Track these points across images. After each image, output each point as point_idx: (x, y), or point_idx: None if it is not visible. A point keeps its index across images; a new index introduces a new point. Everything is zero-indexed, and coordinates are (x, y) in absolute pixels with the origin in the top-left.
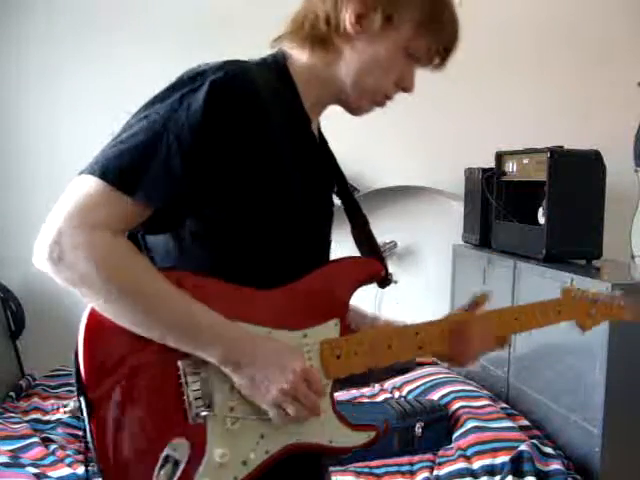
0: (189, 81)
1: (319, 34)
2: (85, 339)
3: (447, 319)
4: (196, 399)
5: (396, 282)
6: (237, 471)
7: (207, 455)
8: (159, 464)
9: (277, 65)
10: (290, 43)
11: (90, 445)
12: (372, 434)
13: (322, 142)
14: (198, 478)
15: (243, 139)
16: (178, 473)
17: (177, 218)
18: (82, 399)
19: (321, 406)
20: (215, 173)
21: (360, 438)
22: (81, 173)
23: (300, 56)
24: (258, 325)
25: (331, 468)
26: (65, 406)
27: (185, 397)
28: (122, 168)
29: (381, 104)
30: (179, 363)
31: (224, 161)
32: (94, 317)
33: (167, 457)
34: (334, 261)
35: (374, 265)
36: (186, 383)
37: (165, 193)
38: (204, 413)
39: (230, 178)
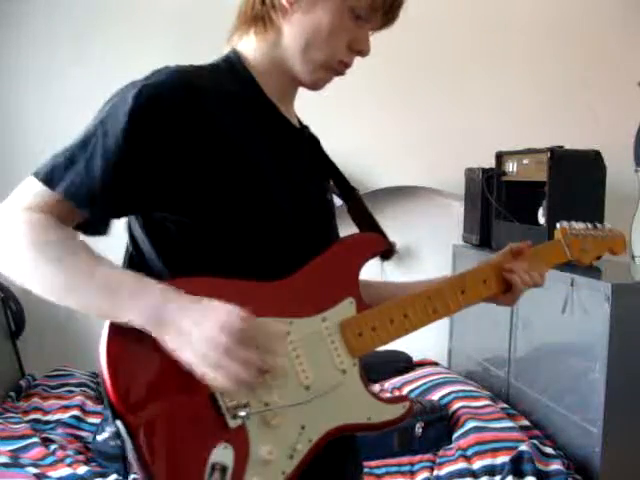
0: (125, 88)
1: (256, 14)
2: (108, 364)
3: (460, 275)
4: (230, 401)
5: (398, 252)
6: (284, 465)
7: (252, 455)
8: (207, 473)
9: (231, 65)
10: (238, 36)
11: (136, 466)
12: (407, 404)
13: (303, 129)
14: (247, 479)
15: (186, 135)
16: (227, 478)
17: (103, 222)
18: (119, 423)
19: (345, 381)
20: (145, 176)
21: (397, 410)
22: None
23: (248, 45)
24: (277, 317)
25: None
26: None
27: (220, 402)
28: (52, 166)
29: (339, 72)
30: None
31: (158, 163)
32: (113, 340)
33: (214, 465)
34: (336, 242)
35: (377, 239)
36: None
37: (83, 191)
38: (242, 413)
39: (180, 179)
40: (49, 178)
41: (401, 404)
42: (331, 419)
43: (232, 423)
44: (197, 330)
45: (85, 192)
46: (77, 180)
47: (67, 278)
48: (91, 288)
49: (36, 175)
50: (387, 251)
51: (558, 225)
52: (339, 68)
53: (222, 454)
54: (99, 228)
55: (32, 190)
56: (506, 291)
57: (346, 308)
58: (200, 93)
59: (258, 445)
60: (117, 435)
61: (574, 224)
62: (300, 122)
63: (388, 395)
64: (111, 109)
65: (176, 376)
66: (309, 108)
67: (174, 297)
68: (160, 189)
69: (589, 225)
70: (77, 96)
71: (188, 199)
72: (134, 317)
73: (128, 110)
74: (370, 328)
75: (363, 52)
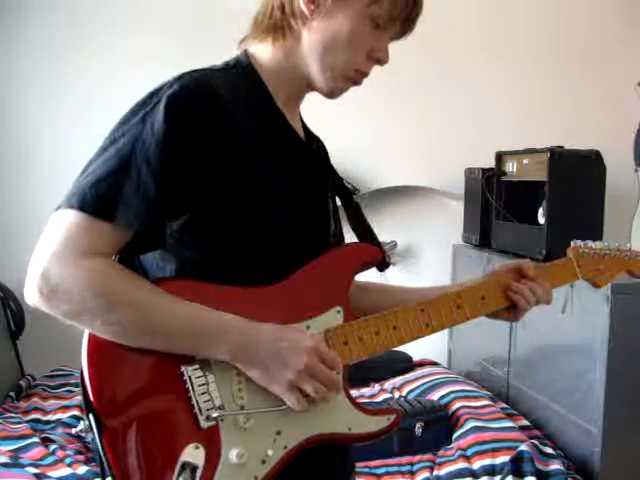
0: (148, 100)
1: (276, 22)
2: (88, 360)
3: (457, 290)
4: (205, 402)
5: (394, 264)
6: (256, 470)
7: (223, 457)
8: (176, 472)
9: (241, 66)
10: (253, 41)
11: (104, 461)
12: (392, 417)
13: (307, 135)
14: None
15: (209, 144)
16: (197, 478)
17: (162, 235)
18: (91, 417)
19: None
20: (189, 183)
21: (380, 422)
22: (58, 208)
23: (263, 51)
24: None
25: None
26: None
27: (194, 402)
28: (98, 196)
29: (357, 81)
30: (182, 369)
31: (195, 169)
32: (94, 338)
33: (184, 464)
34: (330, 250)
35: (371, 250)
36: (192, 388)
37: (143, 215)
38: (215, 414)
39: (205, 184)
40: (101, 210)
41: (386, 416)
42: (309, 427)
43: (204, 424)
44: (275, 361)
45: (147, 215)
46: (135, 205)
47: (146, 324)
48: (170, 332)
49: (82, 209)
50: (382, 263)
51: (572, 243)
52: (356, 77)
53: (193, 454)
54: (159, 242)
55: (81, 227)
56: (509, 308)
57: (332, 317)
58: (220, 99)
59: (230, 447)
60: (90, 429)
61: (589, 243)
62: (305, 127)
63: (382, 398)
64: (141, 123)
65: (153, 376)
66: (310, 108)
67: (248, 331)
68: (194, 191)
69: (606, 244)
70: (79, 95)
71: (201, 201)
72: (216, 356)
73: (163, 121)
74: (357, 338)
75: (382, 61)
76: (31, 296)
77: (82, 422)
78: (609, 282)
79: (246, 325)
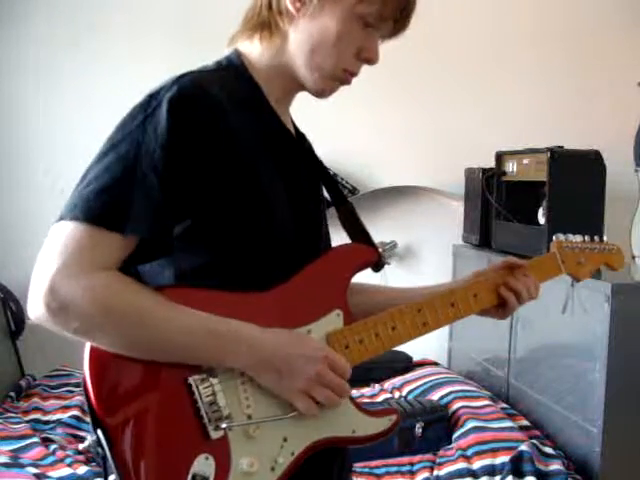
0: (147, 103)
1: (263, 20)
2: (91, 371)
3: (451, 289)
4: (213, 412)
5: (389, 264)
6: (266, 477)
7: (233, 466)
8: None
9: (233, 66)
10: (241, 38)
11: (116, 476)
12: (393, 417)
13: (298, 135)
14: None
15: (210, 147)
16: None
17: (169, 241)
18: (99, 432)
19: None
20: (194, 186)
21: (382, 423)
22: (60, 219)
23: (252, 49)
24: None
25: None
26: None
27: (202, 413)
28: (104, 206)
29: (345, 81)
30: (189, 380)
31: (198, 174)
32: (98, 350)
33: (195, 476)
34: (325, 253)
35: (367, 251)
36: (200, 399)
37: (153, 222)
38: (223, 425)
39: (207, 188)
40: (109, 221)
41: (387, 417)
42: (314, 432)
43: (214, 434)
44: (287, 369)
45: (157, 221)
46: (145, 213)
47: (158, 339)
48: (183, 346)
49: (88, 220)
50: (377, 263)
51: (555, 238)
52: (344, 77)
53: (203, 465)
54: (166, 248)
55: (89, 239)
56: (499, 305)
57: (333, 320)
58: (218, 101)
59: (239, 457)
60: (98, 444)
61: (570, 237)
62: (295, 126)
63: (382, 398)
64: (142, 127)
65: (159, 387)
66: (310, 108)
67: (260, 338)
68: (197, 195)
69: (586, 238)
70: (79, 97)
71: (202, 205)
72: (229, 366)
73: (166, 126)
74: (357, 341)
75: (371, 61)
76: (36, 312)
77: (89, 437)
78: (589, 276)
79: (258, 332)
